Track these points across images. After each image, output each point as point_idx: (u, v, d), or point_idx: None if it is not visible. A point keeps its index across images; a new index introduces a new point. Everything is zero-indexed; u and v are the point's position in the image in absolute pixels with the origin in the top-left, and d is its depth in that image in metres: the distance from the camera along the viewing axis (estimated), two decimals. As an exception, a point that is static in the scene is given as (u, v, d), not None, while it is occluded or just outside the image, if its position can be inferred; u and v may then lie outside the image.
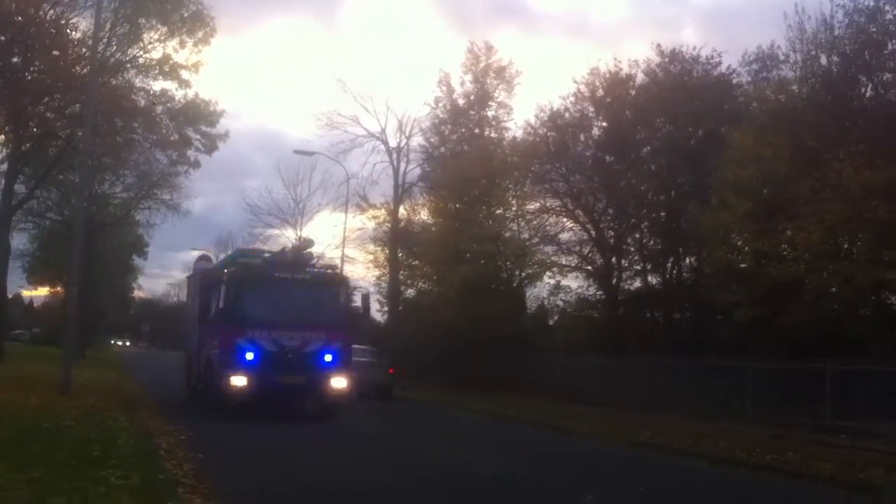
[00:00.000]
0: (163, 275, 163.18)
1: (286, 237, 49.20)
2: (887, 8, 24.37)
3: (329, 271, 22.78)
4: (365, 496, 10.58)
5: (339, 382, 19.91)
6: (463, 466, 13.52)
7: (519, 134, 39.11)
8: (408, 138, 44.53)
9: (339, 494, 10.52)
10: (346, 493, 10.65)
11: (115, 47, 33.96)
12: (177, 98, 35.75)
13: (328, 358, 19.80)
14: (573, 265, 37.71)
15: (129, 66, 34.56)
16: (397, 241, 43.22)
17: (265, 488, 10.57)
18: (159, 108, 34.94)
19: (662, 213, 35.35)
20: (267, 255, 23.76)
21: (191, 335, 25.28)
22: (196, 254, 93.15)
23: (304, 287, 20.35)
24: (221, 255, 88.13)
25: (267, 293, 19.82)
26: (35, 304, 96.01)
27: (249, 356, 19.09)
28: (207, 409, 20.42)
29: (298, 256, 21.87)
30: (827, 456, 15.20)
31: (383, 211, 43.96)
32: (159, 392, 25.88)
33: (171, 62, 34.06)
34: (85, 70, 27.68)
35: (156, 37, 34.00)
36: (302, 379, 19.28)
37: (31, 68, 29.88)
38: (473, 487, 11.54)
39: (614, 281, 36.39)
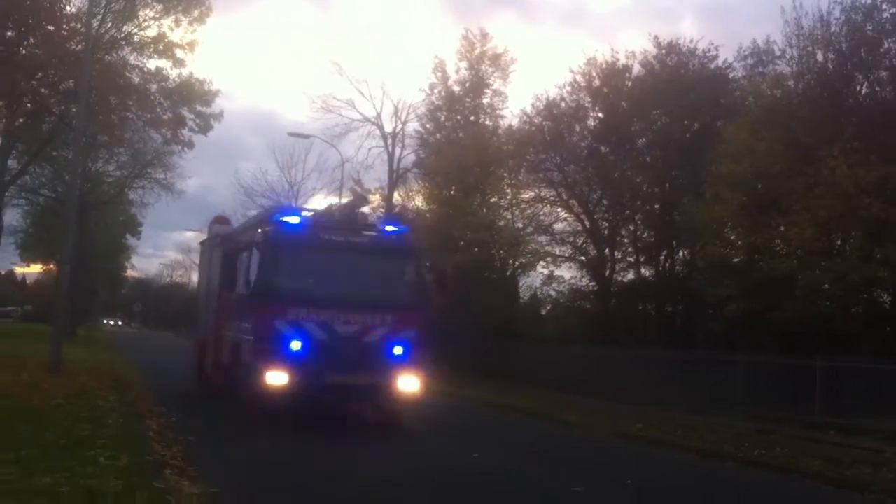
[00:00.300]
0: (156, 255, 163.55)
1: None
2: (884, 6, 24.39)
3: (398, 234, 17.02)
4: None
5: (409, 384, 15.31)
6: (453, 456, 13.54)
7: (515, 122, 39.13)
8: (403, 124, 44.45)
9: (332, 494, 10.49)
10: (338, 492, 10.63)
11: (110, 24, 33.90)
12: (171, 77, 35.66)
13: (397, 351, 15.30)
14: (566, 255, 37.74)
15: (124, 43, 34.51)
16: (391, 226, 43.08)
17: (249, 470, 10.57)
18: (153, 87, 34.87)
19: (657, 206, 35.35)
20: (309, 212, 18.54)
21: (205, 315, 20.62)
22: (191, 234, 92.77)
23: (366, 254, 15.78)
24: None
25: (316, 261, 15.35)
26: (27, 281, 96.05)
27: (292, 345, 14.60)
28: (213, 399, 17.84)
29: (353, 215, 17.48)
30: (815, 452, 15.24)
31: (378, 196, 43.90)
32: (151, 373, 25.82)
33: (166, 40, 33.97)
34: (79, 46, 27.58)
35: (151, 14, 33.97)
36: (362, 378, 15.02)
37: (26, 43, 29.80)
38: (460, 477, 11.56)
39: (607, 272, 36.43)
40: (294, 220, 15.99)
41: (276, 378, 14.37)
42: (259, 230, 16.47)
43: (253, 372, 14.72)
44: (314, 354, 14.61)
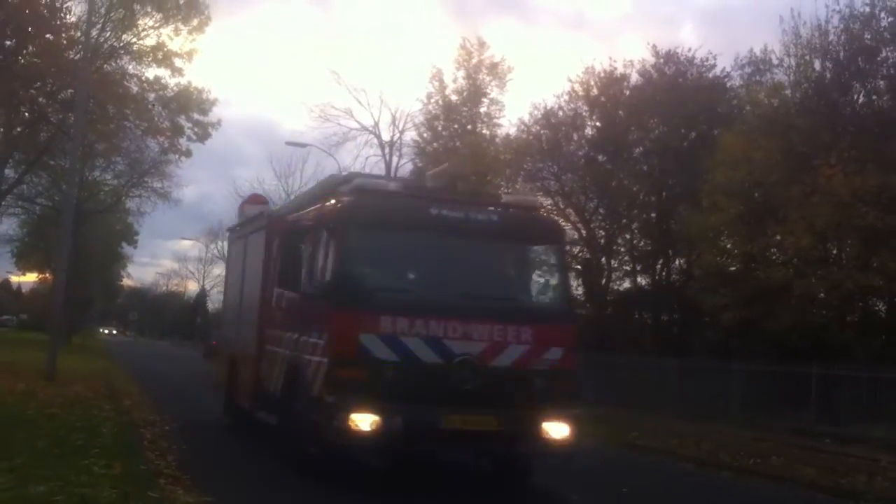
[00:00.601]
0: (152, 264, 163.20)
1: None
2: (882, 15, 24.51)
3: (533, 210, 12.32)
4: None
5: (557, 429, 10.41)
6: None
7: (512, 131, 39.18)
8: (401, 132, 44.55)
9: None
10: None
11: (109, 33, 34.00)
12: (170, 86, 35.69)
13: (540, 381, 10.48)
14: (563, 264, 37.60)
15: (122, 52, 34.54)
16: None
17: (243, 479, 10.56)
18: (151, 96, 34.92)
19: (653, 214, 35.42)
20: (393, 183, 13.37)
21: (239, 323, 15.66)
22: (187, 243, 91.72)
23: (495, 239, 11.12)
24: (212, 244, 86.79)
25: (422, 248, 10.80)
26: (23, 290, 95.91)
27: (387, 372, 9.95)
28: (251, 439, 13.69)
29: (456, 186, 12.68)
30: (810, 461, 15.27)
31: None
32: (146, 382, 25.79)
33: (164, 49, 34.00)
34: (78, 55, 27.62)
35: (150, 23, 34.02)
36: (489, 421, 10.14)
37: (24, 52, 29.79)
38: (465, 485, 11.55)
39: (603, 281, 36.42)
40: (385, 187, 11.53)
41: (364, 421, 9.72)
42: (333, 202, 11.38)
43: (327, 410, 9.94)
44: (420, 386, 9.99)
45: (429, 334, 10.05)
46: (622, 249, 37.07)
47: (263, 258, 13.86)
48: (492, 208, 11.55)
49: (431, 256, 10.78)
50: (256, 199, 18.95)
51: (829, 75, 25.27)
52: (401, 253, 10.80)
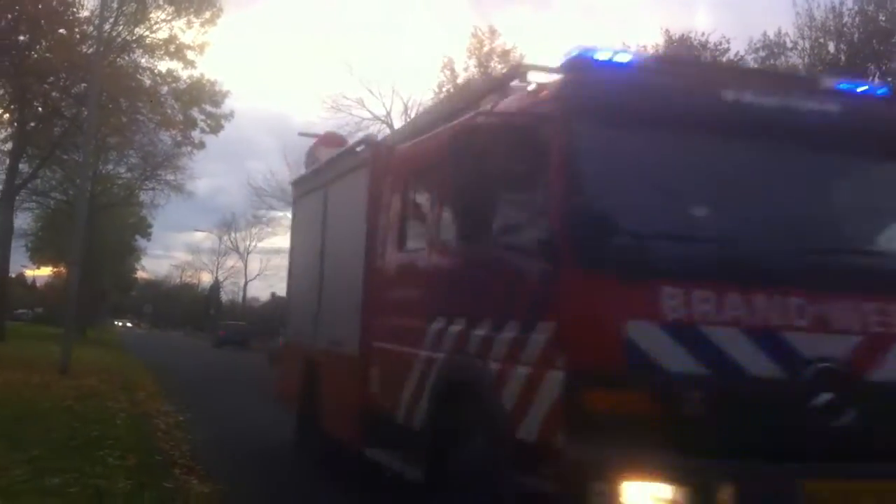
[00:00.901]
0: (165, 256, 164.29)
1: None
2: (898, -4, 24.40)
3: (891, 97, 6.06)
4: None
5: None
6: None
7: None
8: (413, 122, 44.32)
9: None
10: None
11: (121, 27, 34.07)
12: (182, 78, 35.76)
13: None
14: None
15: (135, 45, 34.62)
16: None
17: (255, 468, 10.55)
18: (164, 89, 34.98)
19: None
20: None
21: (320, 309, 10.33)
22: (201, 235, 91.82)
23: (835, 144, 5.45)
24: (225, 236, 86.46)
25: (713, 161, 5.29)
26: (38, 284, 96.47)
27: (684, 395, 4.65)
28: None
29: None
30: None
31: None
32: (159, 372, 25.85)
33: (177, 42, 34.05)
34: (91, 49, 27.71)
35: (163, 16, 34.10)
36: (890, 489, 4.75)
37: (37, 46, 29.91)
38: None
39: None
40: (626, 58, 5.58)
41: (651, 495, 4.50)
42: (533, 89, 6.01)
43: (565, 471, 4.71)
44: (750, 424, 4.84)
45: (754, 323, 4.95)
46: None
47: (367, 209, 8.81)
48: (822, 94, 5.94)
49: (736, 177, 5.51)
50: (333, 140, 13.75)
51: (843, 58, 25.11)
52: (680, 172, 5.38)
